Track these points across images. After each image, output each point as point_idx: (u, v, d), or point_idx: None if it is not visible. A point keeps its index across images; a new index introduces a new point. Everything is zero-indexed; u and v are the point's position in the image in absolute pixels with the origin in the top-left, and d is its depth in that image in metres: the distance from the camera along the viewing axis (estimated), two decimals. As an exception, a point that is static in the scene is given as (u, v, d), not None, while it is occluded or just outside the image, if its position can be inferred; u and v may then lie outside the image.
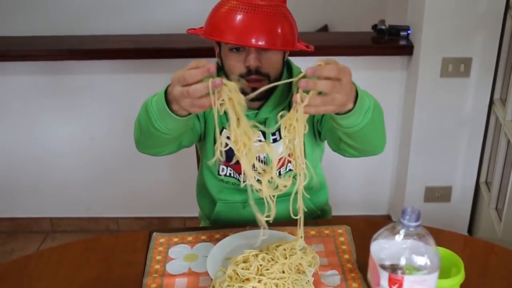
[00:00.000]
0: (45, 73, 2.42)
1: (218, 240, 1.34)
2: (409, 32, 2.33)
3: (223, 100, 1.04)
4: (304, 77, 1.02)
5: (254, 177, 1.11)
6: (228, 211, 1.54)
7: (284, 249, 1.21)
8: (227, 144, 1.11)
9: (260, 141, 1.43)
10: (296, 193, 1.13)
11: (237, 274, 1.16)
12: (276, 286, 1.14)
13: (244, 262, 1.19)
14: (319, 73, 1.01)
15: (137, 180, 2.65)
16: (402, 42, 2.33)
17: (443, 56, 2.21)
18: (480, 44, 2.18)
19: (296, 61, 1.48)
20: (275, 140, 1.44)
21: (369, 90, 1.20)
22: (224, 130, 1.44)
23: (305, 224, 1.21)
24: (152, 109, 1.17)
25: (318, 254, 1.25)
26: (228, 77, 1.34)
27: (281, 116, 1.09)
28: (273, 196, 1.14)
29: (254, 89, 1.33)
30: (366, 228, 1.32)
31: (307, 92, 1.03)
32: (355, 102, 1.10)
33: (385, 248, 1.02)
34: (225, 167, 1.48)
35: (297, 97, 1.02)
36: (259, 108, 1.41)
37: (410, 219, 0.98)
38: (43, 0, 3.59)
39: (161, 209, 2.72)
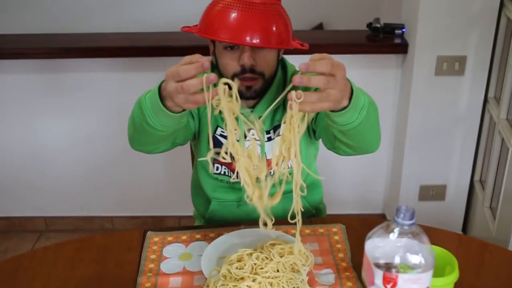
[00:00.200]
0: (40, 71, 2.41)
1: (213, 239, 1.34)
2: (403, 30, 2.33)
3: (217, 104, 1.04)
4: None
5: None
6: (222, 209, 1.54)
7: (282, 249, 1.21)
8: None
9: (254, 139, 1.43)
10: (291, 192, 1.13)
11: (231, 273, 1.16)
12: (271, 285, 1.13)
13: (239, 261, 1.19)
14: (312, 69, 1.00)
15: (131, 179, 2.64)
16: (397, 41, 2.33)
17: (438, 54, 2.21)
18: (475, 42, 2.19)
19: (291, 59, 1.48)
20: (269, 139, 1.43)
21: (364, 88, 1.20)
22: (218, 128, 1.44)
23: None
24: (145, 105, 1.17)
25: (313, 253, 1.25)
26: (222, 75, 1.34)
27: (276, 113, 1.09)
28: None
29: (248, 88, 1.33)
30: (360, 227, 1.32)
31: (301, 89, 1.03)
32: (350, 99, 1.10)
33: (379, 246, 1.02)
34: (219, 165, 1.48)
35: (292, 94, 1.02)
36: (253, 107, 1.41)
37: (404, 217, 0.98)
38: (39, -1, 3.59)
39: (156, 208, 2.72)
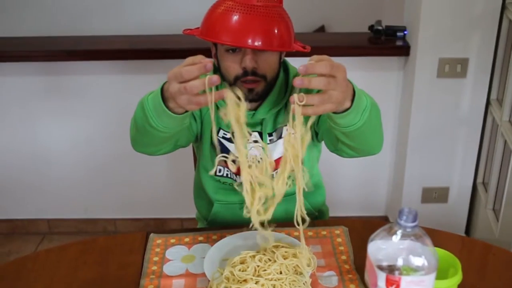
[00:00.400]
0: (41, 73, 2.41)
1: (215, 241, 1.34)
2: (405, 32, 2.33)
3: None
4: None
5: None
6: (225, 212, 1.54)
7: (286, 252, 1.21)
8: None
9: (256, 141, 1.43)
10: (293, 194, 1.13)
11: (234, 275, 1.16)
12: (274, 287, 1.13)
13: (241, 263, 1.19)
14: (311, 71, 1.01)
15: (134, 181, 2.64)
16: (399, 43, 2.33)
17: (440, 56, 2.21)
18: (477, 44, 2.19)
19: (292, 61, 1.48)
20: (271, 141, 1.43)
21: (366, 90, 1.19)
22: (221, 130, 1.44)
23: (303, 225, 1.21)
24: (148, 106, 1.17)
25: (316, 255, 1.25)
26: (224, 78, 1.34)
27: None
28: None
29: (250, 90, 1.33)
30: (363, 229, 1.32)
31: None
32: (352, 101, 1.10)
33: (382, 248, 1.02)
34: (222, 168, 1.48)
35: (294, 97, 1.02)
36: (256, 109, 1.41)
37: (407, 219, 0.98)
38: (39, 1, 3.59)
39: (158, 210, 2.72)
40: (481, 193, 2.43)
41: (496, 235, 2.15)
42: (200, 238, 1.37)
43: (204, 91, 1.03)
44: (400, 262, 0.99)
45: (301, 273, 1.18)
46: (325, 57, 1.03)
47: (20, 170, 2.61)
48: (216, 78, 1.01)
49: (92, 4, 3.57)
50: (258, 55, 1.30)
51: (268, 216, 1.14)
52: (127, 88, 2.42)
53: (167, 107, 1.12)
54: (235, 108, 1.05)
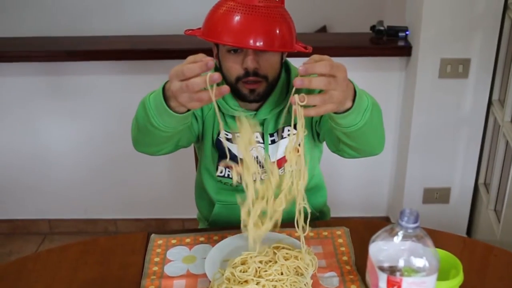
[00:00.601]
0: (41, 74, 2.41)
1: (217, 241, 1.33)
2: (407, 33, 2.33)
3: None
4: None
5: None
6: (226, 212, 1.54)
7: (287, 253, 1.21)
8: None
9: (257, 142, 1.43)
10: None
11: (235, 276, 1.15)
12: (275, 288, 1.13)
13: (242, 264, 1.19)
14: (311, 71, 1.01)
15: (135, 181, 2.64)
16: (401, 43, 2.33)
17: (442, 57, 2.21)
18: (479, 45, 2.18)
19: (294, 62, 1.48)
20: (273, 142, 1.43)
21: (368, 91, 1.19)
22: (223, 131, 1.43)
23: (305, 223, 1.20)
24: (149, 106, 1.17)
25: (317, 256, 1.25)
26: (226, 79, 1.34)
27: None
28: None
29: (251, 91, 1.33)
30: (364, 230, 1.32)
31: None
32: (353, 101, 1.10)
33: (383, 250, 1.01)
34: (223, 168, 1.48)
35: (295, 97, 1.02)
36: (257, 110, 1.41)
37: (408, 220, 0.97)
38: (40, 1, 3.59)
39: (160, 210, 2.72)
40: (482, 194, 2.42)
41: (497, 236, 2.15)
42: (201, 239, 1.37)
43: (205, 89, 1.03)
44: (401, 263, 0.99)
45: (302, 274, 1.18)
46: (325, 57, 1.03)
47: (21, 170, 2.61)
48: (217, 75, 1.02)
49: (92, 4, 3.57)
50: (260, 56, 1.30)
51: (266, 230, 1.15)
52: (127, 89, 2.42)
53: (169, 106, 1.12)
54: (249, 133, 1.10)
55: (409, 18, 2.37)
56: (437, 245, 1.02)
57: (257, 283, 1.13)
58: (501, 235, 2.11)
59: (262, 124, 1.42)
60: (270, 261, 1.19)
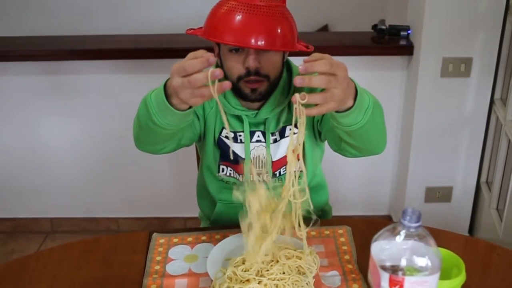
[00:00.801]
0: (45, 73, 2.42)
1: (218, 240, 1.33)
2: (409, 32, 2.33)
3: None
4: None
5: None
6: (228, 211, 1.54)
7: (289, 253, 1.21)
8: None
9: (259, 141, 1.43)
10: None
11: (237, 275, 1.16)
12: (276, 287, 1.13)
13: (244, 263, 1.19)
14: (311, 69, 1.00)
15: (137, 180, 2.64)
16: (402, 42, 2.33)
17: (444, 56, 2.21)
18: (481, 44, 2.18)
19: (296, 61, 1.48)
20: (275, 141, 1.43)
21: (369, 90, 1.19)
22: (223, 129, 1.44)
23: (305, 224, 1.20)
24: (151, 103, 1.17)
25: (319, 255, 1.25)
26: (227, 78, 1.34)
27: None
28: None
29: (253, 90, 1.33)
30: (366, 229, 1.32)
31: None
32: (355, 100, 1.10)
33: (385, 249, 1.01)
34: (225, 167, 1.48)
35: (296, 96, 1.02)
36: (258, 109, 1.41)
37: (410, 220, 0.97)
38: (42, 0, 3.59)
39: (161, 209, 2.72)
40: (484, 193, 2.42)
41: (499, 235, 2.14)
42: (203, 238, 1.37)
43: (207, 85, 1.03)
44: (403, 263, 0.99)
45: (304, 273, 1.18)
46: (325, 55, 1.03)
47: (23, 169, 2.61)
48: (219, 71, 1.02)
49: (95, 4, 3.58)
50: (261, 55, 1.29)
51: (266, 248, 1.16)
52: (130, 87, 2.42)
53: (170, 103, 1.12)
54: (261, 199, 1.12)
55: (411, 17, 2.36)
56: (439, 244, 1.02)
57: (259, 282, 1.13)
58: (503, 234, 2.11)
59: (263, 123, 1.42)
60: (272, 261, 1.19)
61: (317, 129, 1.44)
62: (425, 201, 2.51)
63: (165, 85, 1.13)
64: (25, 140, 2.55)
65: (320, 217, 1.61)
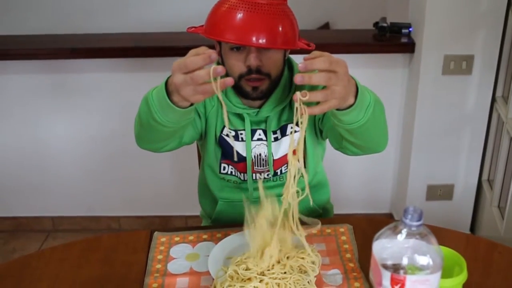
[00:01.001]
0: (46, 71, 2.42)
1: (220, 239, 1.33)
2: (410, 29, 2.32)
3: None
4: None
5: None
6: (229, 210, 1.54)
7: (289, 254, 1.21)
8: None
9: (260, 139, 1.43)
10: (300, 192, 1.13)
11: (238, 273, 1.15)
12: (278, 286, 1.13)
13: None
14: (311, 67, 1.00)
15: (138, 179, 2.64)
16: (404, 40, 2.32)
17: (445, 53, 2.20)
18: (482, 41, 2.18)
19: (297, 59, 1.47)
20: (276, 139, 1.43)
21: (371, 88, 1.19)
22: (225, 128, 1.43)
23: (307, 223, 1.20)
24: (152, 101, 1.17)
25: (320, 253, 1.25)
26: (228, 76, 1.33)
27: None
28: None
29: (254, 88, 1.33)
30: (368, 227, 1.32)
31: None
32: (356, 97, 1.09)
33: (387, 247, 1.01)
34: (226, 165, 1.48)
35: (297, 94, 1.02)
36: (260, 107, 1.40)
37: (412, 218, 0.97)
38: (43, -1, 3.60)
39: (163, 208, 2.72)
40: (486, 191, 2.42)
41: (501, 232, 2.14)
42: (205, 236, 1.37)
43: (208, 82, 1.03)
44: (405, 261, 0.99)
45: (305, 272, 1.18)
46: (324, 53, 1.03)
47: (24, 168, 2.61)
48: (221, 68, 1.01)
49: (96, 2, 3.57)
50: (263, 53, 1.29)
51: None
52: (131, 86, 2.42)
53: (172, 101, 1.12)
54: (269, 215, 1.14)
55: (412, 15, 2.36)
56: (441, 242, 1.01)
57: (260, 281, 1.13)
58: (505, 231, 2.11)
59: (265, 121, 1.42)
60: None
61: (318, 127, 1.44)
62: (426, 199, 2.51)
63: (166, 83, 1.13)
64: (26, 139, 2.55)
65: (321, 215, 1.62)
